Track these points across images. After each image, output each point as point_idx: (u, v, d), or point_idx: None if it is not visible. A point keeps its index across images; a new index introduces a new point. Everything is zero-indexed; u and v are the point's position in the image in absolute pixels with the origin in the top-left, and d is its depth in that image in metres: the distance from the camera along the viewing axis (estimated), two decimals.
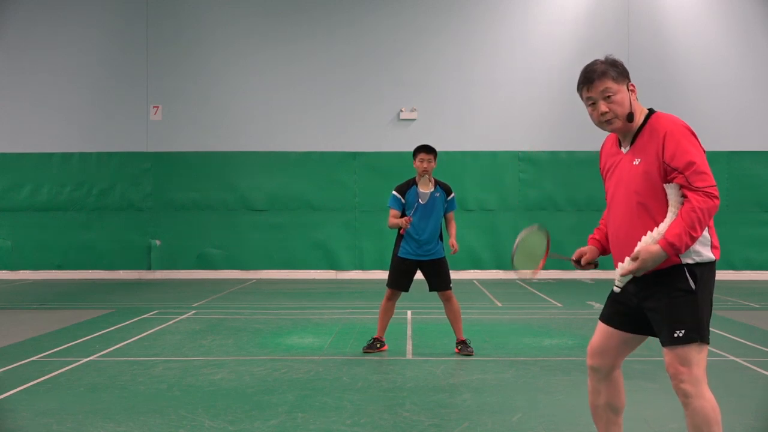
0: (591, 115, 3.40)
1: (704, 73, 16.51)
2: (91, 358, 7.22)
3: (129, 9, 16.79)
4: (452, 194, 7.57)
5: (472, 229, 15.99)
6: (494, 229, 16.34)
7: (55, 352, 7.52)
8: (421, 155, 7.36)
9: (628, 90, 3.35)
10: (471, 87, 16.62)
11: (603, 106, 3.33)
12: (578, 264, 3.66)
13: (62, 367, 6.73)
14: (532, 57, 16.46)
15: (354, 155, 16.53)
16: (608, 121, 3.35)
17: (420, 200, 7.33)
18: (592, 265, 3.67)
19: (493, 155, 16.48)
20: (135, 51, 16.78)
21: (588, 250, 3.65)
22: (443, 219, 7.56)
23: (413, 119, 16.62)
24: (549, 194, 16.24)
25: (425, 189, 7.39)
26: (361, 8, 16.80)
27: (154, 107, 16.78)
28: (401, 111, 16.61)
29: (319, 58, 16.72)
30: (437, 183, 7.50)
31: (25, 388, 5.97)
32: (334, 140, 16.61)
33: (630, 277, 3.30)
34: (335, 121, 16.67)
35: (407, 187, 7.45)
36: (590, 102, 3.37)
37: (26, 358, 7.13)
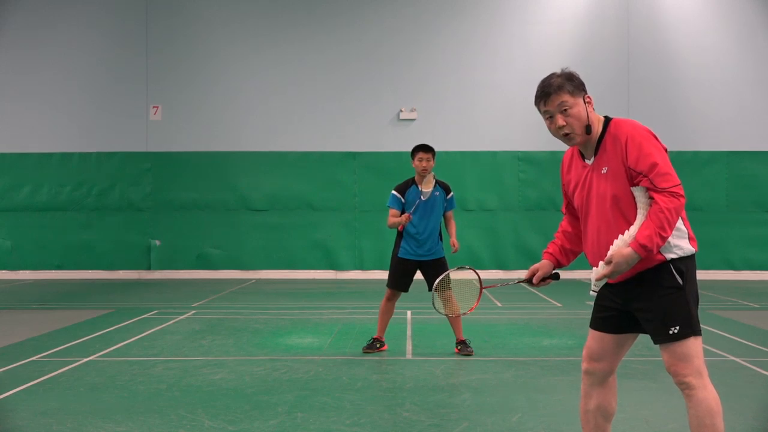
0: (549, 128, 3.46)
1: (704, 72, 16.50)
2: (90, 358, 7.22)
3: (129, 9, 16.79)
4: (451, 193, 7.58)
5: (472, 229, 16.00)
6: (494, 229, 16.35)
7: (55, 352, 7.52)
8: (420, 154, 7.37)
9: (584, 102, 3.41)
10: (471, 87, 16.62)
11: (560, 120, 3.39)
12: (530, 283, 3.67)
13: (62, 367, 6.73)
14: (531, 57, 16.45)
15: (354, 155, 16.53)
16: (566, 135, 3.41)
17: (421, 198, 7.34)
18: (548, 281, 3.67)
19: (493, 155, 16.48)
20: (135, 51, 16.78)
21: (541, 266, 3.67)
22: (442, 218, 7.57)
23: (413, 119, 16.62)
24: (549, 194, 16.23)
25: (425, 188, 7.40)
26: (361, 8, 16.80)
27: (154, 107, 16.78)
28: (401, 111, 16.61)
29: (319, 58, 16.72)
30: (436, 182, 7.51)
31: (25, 388, 5.97)
32: (334, 140, 16.61)
33: (605, 280, 3.33)
34: (335, 121, 16.66)
35: (407, 186, 7.46)
36: (547, 116, 3.43)
37: (26, 358, 7.13)
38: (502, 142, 16.50)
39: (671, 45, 16.56)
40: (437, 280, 4.14)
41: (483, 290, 3.90)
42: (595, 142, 3.43)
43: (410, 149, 7.55)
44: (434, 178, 7.47)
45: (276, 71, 16.74)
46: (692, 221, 3.50)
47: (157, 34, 16.80)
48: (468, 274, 3.96)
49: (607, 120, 3.44)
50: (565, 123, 3.38)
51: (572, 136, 3.40)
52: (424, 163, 7.34)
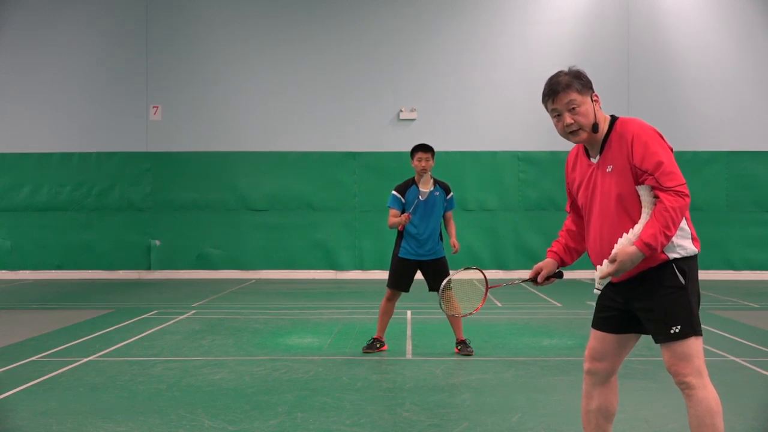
0: (556, 126, 3.45)
1: (704, 72, 16.50)
2: (90, 358, 7.22)
3: (129, 9, 16.79)
4: (451, 193, 7.58)
5: (472, 229, 16.00)
6: (494, 229, 16.35)
7: (55, 352, 7.52)
8: (419, 154, 7.37)
9: (592, 101, 3.41)
10: (471, 87, 16.62)
11: (568, 118, 3.38)
12: (535, 282, 3.67)
13: (62, 367, 6.73)
14: (531, 57, 16.46)
15: (354, 155, 16.53)
16: (573, 132, 3.41)
17: (420, 198, 7.34)
18: (552, 279, 3.67)
19: (493, 155, 16.48)
20: (135, 51, 16.78)
21: (545, 264, 3.67)
22: (442, 218, 7.57)
23: (413, 119, 16.62)
24: (549, 194, 16.23)
25: (425, 188, 7.40)
26: (361, 8, 16.80)
27: (154, 107, 16.78)
28: (401, 111, 16.61)
29: (319, 58, 16.72)
30: (436, 182, 7.51)
31: (25, 388, 5.97)
32: (334, 140, 16.61)
33: (609, 279, 3.33)
34: (335, 121, 16.66)
35: (407, 186, 7.46)
36: (555, 114, 3.42)
37: (26, 358, 7.13)
38: (502, 142, 16.50)
39: (671, 45, 16.55)
40: (443, 283, 4.11)
41: (488, 291, 3.89)
42: (601, 140, 3.43)
43: (410, 149, 7.56)
44: (431, 177, 7.47)
45: (276, 71, 16.74)
46: (692, 221, 3.49)
47: (157, 34, 16.80)
48: (470, 274, 3.95)
49: (614, 119, 3.44)
50: (572, 121, 3.38)
51: (578, 132, 3.40)
52: (423, 163, 7.35)
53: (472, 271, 3.94)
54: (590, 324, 3.68)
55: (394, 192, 7.47)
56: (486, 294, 3.90)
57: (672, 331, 3.26)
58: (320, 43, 16.73)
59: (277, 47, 16.77)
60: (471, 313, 4.00)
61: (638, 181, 3.30)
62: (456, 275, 4.05)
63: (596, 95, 3.44)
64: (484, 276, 3.91)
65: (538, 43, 16.58)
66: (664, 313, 3.28)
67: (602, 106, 3.49)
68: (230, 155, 16.62)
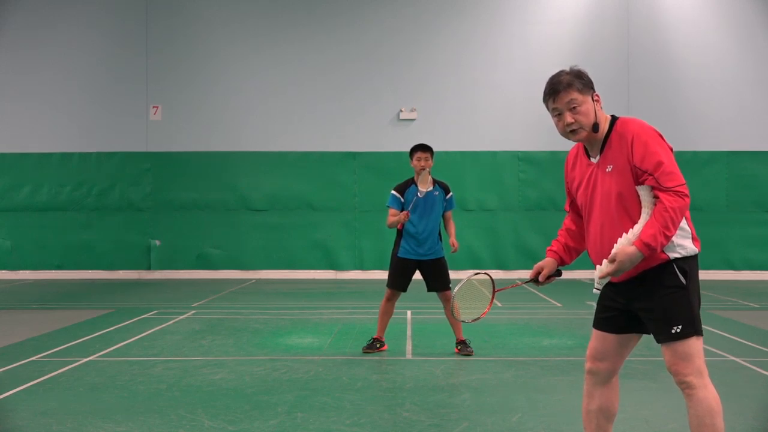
0: (557, 125, 3.46)
1: (704, 72, 16.50)
2: (90, 358, 7.22)
3: (129, 9, 16.79)
4: (450, 193, 7.59)
5: (471, 229, 15.99)
6: (494, 229, 16.35)
7: (55, 352, 7.52)
8: (418, 154, 7.39)
9: (593, 100, 3.41)
10: (471, 87, 16.62)
11: (568, 117, 3.38)
12: (537, 282, 3.66)
13: (62, 367, 6.73)
14: (531, 57, 16.46)
15: (354, 155, 16.53)
16: (573, 132, 3.41)
17: (419, 196, 7.35)
18: (552, 278, 3.67)
19: (493, 155, 16.48)
20: (135, 51, 16.78)
21: (546, 264, 3.67)
22: (442, 218, 7.58)
23: (413, 119, 16.62)
24: (549, 194, 16.23)
25: (423, 187, 7.41)
26: (361, 8, 16.80)
27: (154, 107, 16.78)
28: (401, 111, 16.61)
29: (319, 58, 16.72)
30: (436, 182, 7.51)
31: (25, 388, 5.97)
32: (333, 140, 16.61)
33: (608, 279, 3.33)
34: (335, 121, 16.67)
35: (406, 186, 7.47)
36: (556, 113, 3.42)
37: (26, 358, 7.13)
38: (502, 142, 16.50)
39: (671, 45, 16.55)
40: (456, 290, 3.99)
41: (494, 296, 3.86)
42: (602, 140, 3.43)
43: (409, 149, 7.56)
44: (429, 175, 7.46)
45: (276, 71, 16.74)
46: (692, 221, 3.50)
47: (157, 34, 16.80)
48: (476, 277, 3.90)
49: (614, 119, 3.45)
50: (573, 120, 3.38)
51: (578, 131, 3.40)
52: (422, 162, 7.36)
53: (480, 275, 3.90)
54: (591, 324, 3.67)
55: (393, 191, 7.48)
56: (492, 299, 3.87)
57: (673, 331, 3.27)
58: (320, 43, 16.73)
59: (277, 47, 16.77)
60: (479, 318, 3.91)
61: (638, 181, 3.30)
62: (466, 279, 3.96)
63: (597, 95, 3.45)
64: (492, 280, 3.87)
65: (538, 43, 16.58)
66: (666, 312, 3.29)
67: (602, 106, 3.49)
68: (230, 155, 16.62)
